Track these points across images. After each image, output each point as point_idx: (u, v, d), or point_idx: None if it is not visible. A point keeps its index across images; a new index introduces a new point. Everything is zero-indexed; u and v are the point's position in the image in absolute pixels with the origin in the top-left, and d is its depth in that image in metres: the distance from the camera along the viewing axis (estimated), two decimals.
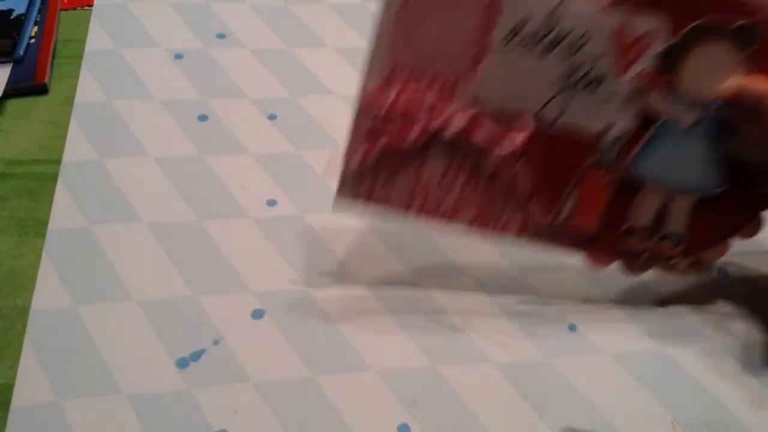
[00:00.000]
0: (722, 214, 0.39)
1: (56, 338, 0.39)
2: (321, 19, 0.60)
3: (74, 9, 0.59)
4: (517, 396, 0.39)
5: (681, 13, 0.35)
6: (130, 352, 0.39)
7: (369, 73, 0.37)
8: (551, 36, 0.36)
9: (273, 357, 0.39)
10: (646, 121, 0.37)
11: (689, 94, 0.37)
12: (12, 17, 0.55)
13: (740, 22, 0.36)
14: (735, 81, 0.37)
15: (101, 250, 0.43)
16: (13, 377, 0.37)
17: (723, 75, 0.36)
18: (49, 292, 0.41)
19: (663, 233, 0.39)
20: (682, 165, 0.38)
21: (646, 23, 0.36)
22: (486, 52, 0.36)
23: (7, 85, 0.52)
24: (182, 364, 0.38)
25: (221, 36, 0.57)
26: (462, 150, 0.38)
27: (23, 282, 0.42)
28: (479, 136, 0.37)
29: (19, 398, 0.37)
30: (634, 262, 0.40)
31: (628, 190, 0.39)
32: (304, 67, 0.56)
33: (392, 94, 0.37)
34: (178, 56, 0.55)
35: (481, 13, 0.36)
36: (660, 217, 0.39)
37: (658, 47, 0.36)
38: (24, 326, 0.39)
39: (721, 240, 0.40)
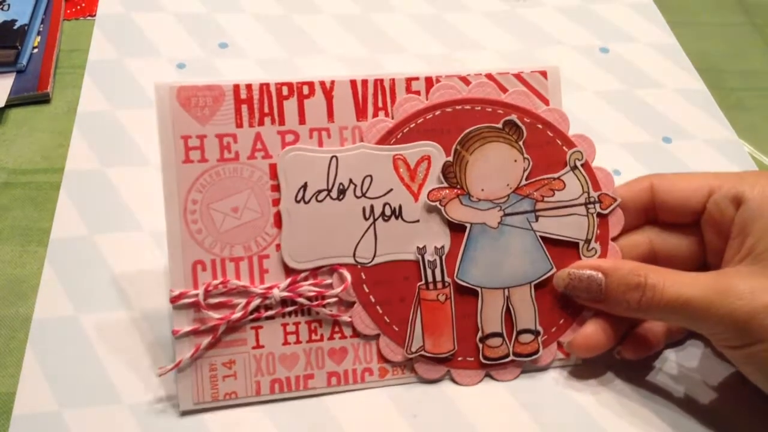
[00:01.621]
0: (564, 293, 0.40)
1: (58, 347, 0.39)
2: (322, 28, 0.61)
3: (77, 19, 0.60)
4: (518, 408, 0.39)
5: (443, 134, 0.39)
6: (131, 361, 0.39)
7: (173, 280, 0.37)
8: (336, 188, 0.38)
9: None
10: (458, 232, 0.39)
11: (482, 197, 0.39)
12: (15, 27, 0.56)
13: (504, 119, 0.39)
14: (563, 271, 0.39)
15: (103, 259, 0.44)
16: (14, 386, 0.38)
17: (506, 170, 0.39)
18: (51, 301, 0.41)
19: (518, 330, 0.40)
20: (506, 261, 0.39)
21: (417, 150, 0.39)
22: (281, 218, 0.38)
23: (10, 94, 0.52)
24: None
25: (223, 45, 0.58)
26: (292, 316, 0.38)
27: (25, 291, 0.42)
28: (302, 300, 0.38)
29: (20, 407, 0.37)
30: (503, 367, 0.40)
31: (469, 299, 0.39)
32: (305, 76, 0.56)
33: (201, 292, 0.37)
34: (181, 66, 0.55)
35: (267, 190, 0.38)
36: (509, 316, 0.40)
37: (437, 166, 0.39)
38: (26, 335, 0.40)
39: (574, 318, 0.41)
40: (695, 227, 0.40)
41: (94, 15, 0.60)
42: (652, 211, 0.41)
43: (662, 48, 0.62)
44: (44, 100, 0.53)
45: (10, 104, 0.52)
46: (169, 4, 0.61)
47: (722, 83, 0.60)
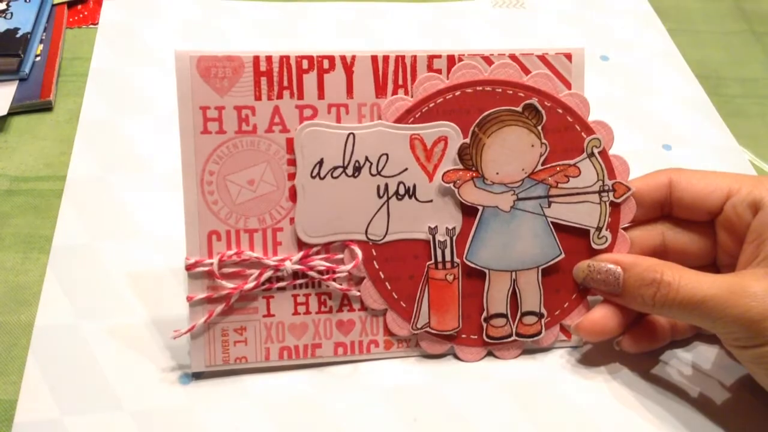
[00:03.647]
0: (570, 277, 0.41)
1: (59, 354, 0.40)
2: (320, 33, 0.61)
3: (79, 27, 0.60)
4: (519, 413, 0.39)
5: (462, 114, 0.39)
6: (133, 368, 0.39)
7: (188, 249, 0.38)
8: (352, 165, 0.38)
9: (276, 373, 0.39)
10: (470, 214, 0.39)
11: (496, 181, 0.39)
12: (18, 35, 0.56)
13: (524, 103, 0.39)
14: (582, 263, 0.40)
15: (105, 266, 0.44)
16: (16, 393, 0.38)
17: (522, 154, 0.39)
18: (52, 308, 0.41)
19: (522, 312, 0.40)
20: (516, 244, 0.40)
21: (435, 130, 0.39)
22: (296, 192, 0.38)
23: (12, 102, 0.52)
24: (185, 380, 0.39)
25: None
26: (302, 287, 0.39)
27: (27, 298, 0.42)
28: (313, 273, 0.39)
29: (22, 414, 0.37)
30: (505, 346, 0.41)
31: (476, 280, 0.40)
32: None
33: (216, 261, 0.38)
34: None
35: (284, 164, 0.38)
36: (514, 298, 0.40)
37: (454, 148, 0.39)
38: (28, 342, 0.40)
39: (578, 302, 0.41)
40: (709, 225, 0.40)
41: (97, 23, 0.60)
42: (667, 206, 0.41)
43: (662, 56, 0.63)
44: (47, 107, 0.54)
45: (13, 112, 0.53)
46: (170, 12, 0.61)
47: (722, 91, 0.61)
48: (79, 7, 0.62)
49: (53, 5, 0.61)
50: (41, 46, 0.57)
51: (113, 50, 0.58)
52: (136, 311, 0.42)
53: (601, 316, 0.40)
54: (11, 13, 0.58)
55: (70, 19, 0.61)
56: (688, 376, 0.41)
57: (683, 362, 0.42)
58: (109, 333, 0.41)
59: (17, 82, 0.54)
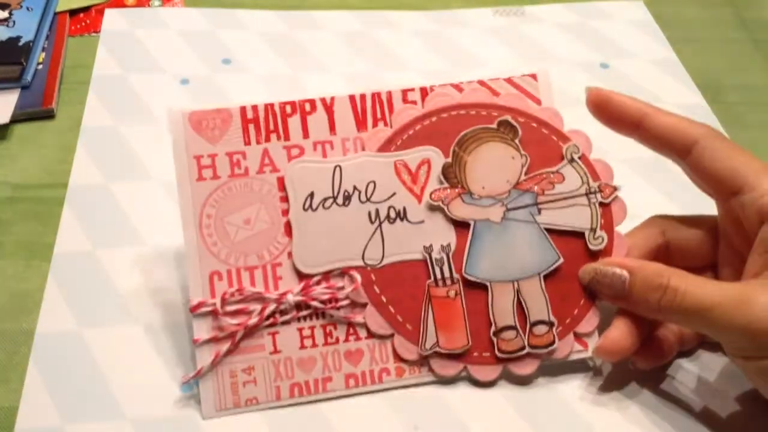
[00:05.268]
0: (576, 285, 0.41)
1: (61, 361, 0.40)
2: (324, 45, 0.61)
3: (81, 35, 0.61)
4: (520, 421, 0.39)
5: (441, 138, 0.41)
6: (134, 376, 0.40)
7: (191, 291, 0.39)
8: (341, 195, 0.40)
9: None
10: (463, 230, 0.40)
11: (483, 194, 0.40)
12: (20, 44, 0.56)
13: (498, 120, 0.41)
14: (589, 266, 0.41)
15: (106, 273, 0.44)
16: (17, 400, 0.38)
17: (504, 167, 0.41)
18: (54, 316, 0.42)
19: (531, 322, 0.40)
20: (512, 254, 0.40)
21: (417, 154, 0.41)
22: (291, 225, 0.40)
23: (14, 110, 0.53)
24: (186, 388, 0.39)
25: (226, 61, 0.58)
26: (307, 320, 0.40)
27: (29, 305, 0.42)
28: (316, 303, 0.39)
29: (23, 421, 0.38)
30: (520, 360, 0.41)
31: (479, 294, 0.40)
32: (308, 92, 0.57)
33: (219, 300, 0.38)
34: (184, 81, 0.56)
35: (277, 201, 0.40)
36: (521, 309, 0.40)
37: (437, 169, 0.41)
38: (29, 349, 0.40)
39: (588, 308, 0.42)
40: (711, 224, 0.41)
41: (99, 31, 0.61)
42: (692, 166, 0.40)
43: (662, 63, 0.63)
44: (49, 115, 0.54)
45: (15, 120, 0.54)
46: (172, 20, 0.62)
47: (722, 99, 0.61)
48: (81, 15, 0.63)
49: (55, 13, 0.61)
50: (43, 55, 0.58)
51: (115, 58, 0.58)
52: (137, 319, 0.42)
53: (619, 336, 0.40)
54: (13, 22, 0.58)
55: (72, 28, 0.61)
56: (693, 388, 0.42)
57: (688, 372, 0.43)
58: (111, 340, 0.41)
59: (19, 90, 0.55)
